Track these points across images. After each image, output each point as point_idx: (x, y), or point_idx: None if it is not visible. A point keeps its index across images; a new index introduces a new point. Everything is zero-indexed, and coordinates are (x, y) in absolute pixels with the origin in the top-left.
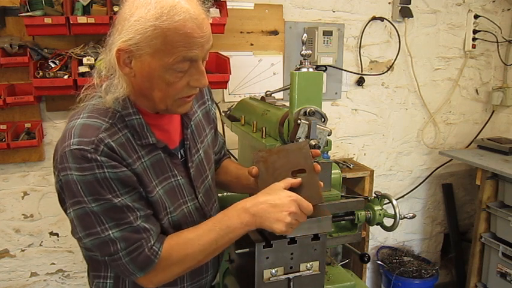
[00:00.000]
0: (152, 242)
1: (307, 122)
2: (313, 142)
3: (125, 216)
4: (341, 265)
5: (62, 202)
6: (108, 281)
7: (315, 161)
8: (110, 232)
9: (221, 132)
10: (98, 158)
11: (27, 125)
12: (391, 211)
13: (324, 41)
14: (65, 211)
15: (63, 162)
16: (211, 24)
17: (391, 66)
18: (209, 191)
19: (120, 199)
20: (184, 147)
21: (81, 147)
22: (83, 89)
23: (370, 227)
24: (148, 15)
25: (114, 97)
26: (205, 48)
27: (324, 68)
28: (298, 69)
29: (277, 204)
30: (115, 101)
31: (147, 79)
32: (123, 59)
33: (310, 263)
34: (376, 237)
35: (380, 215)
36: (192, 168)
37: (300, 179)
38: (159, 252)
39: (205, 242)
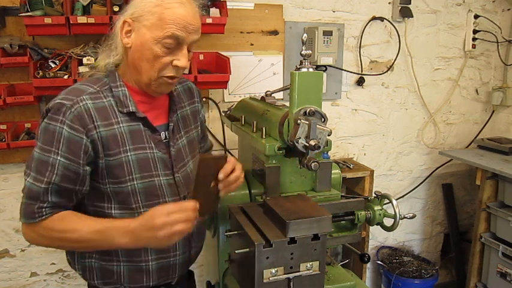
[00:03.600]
0: (44, 205)
1: (307, 122)
2: (313, 142)
3: (45, 173)
4: (341, 265)
5: None
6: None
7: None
8: (27, 179)
9: (221, 132)
10: (67, 114)
11: (27, 125)
12: (391, 211)
13: (324, 41)
14: None
15: (45, 112)
16: (211, 24)
17: (391, 66)
18: (188, 178)
19: (54, 157)
20: (168, 128)
21: (62, 101)
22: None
23: (370, 227)
24: None
25: (107, 62)
26: (192, 37)
27: (324, 68)
28: (298, 69)
29: (148, 225)
30: (107, 67)
31: (139, 49)
32: (125, 30)
33: (310, 263)
34: (376, 237)
35: (380, 215)
36: (173, 148)
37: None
38: (43, 217)
39: (81, 238)
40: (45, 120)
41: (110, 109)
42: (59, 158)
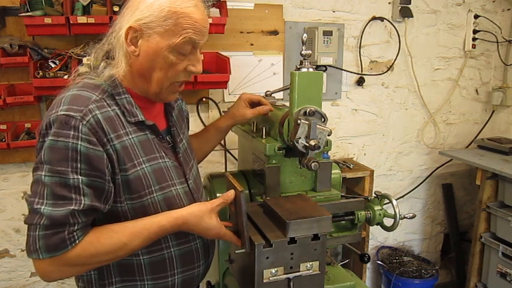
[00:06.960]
0: (75, 228)
1: (307, 122)
2: (313, 142)
3: (68, 197)
4: (341, 265)
5: None
6: (92, 272)
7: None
8: (42, 207)
9: None
10: (80, 127)
11: (27, 125)
12: (391, 211)
13: (324, 41)
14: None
15: (47, 128)
16: (211, 24)
17: (391, 66)
18: (197, 179)
19: (75, 177)
20: (171, 133)
21: (69, 113)
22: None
23: (370, 227)
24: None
25: (110, 73)
26: (204, 39)
27: (324, 68)
28: (298, 69)
29: (201, 232)
30: (108, 79)
31: (151, 58)
32: (131, 37)
33: (310, 263)
34: (376, 237)
35: (380, 215)
36: (180, 154)
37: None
38: (77, 241)
39: (135, 248)
40: (49, 137)
41: (117, 119)
42: (79, 176)
